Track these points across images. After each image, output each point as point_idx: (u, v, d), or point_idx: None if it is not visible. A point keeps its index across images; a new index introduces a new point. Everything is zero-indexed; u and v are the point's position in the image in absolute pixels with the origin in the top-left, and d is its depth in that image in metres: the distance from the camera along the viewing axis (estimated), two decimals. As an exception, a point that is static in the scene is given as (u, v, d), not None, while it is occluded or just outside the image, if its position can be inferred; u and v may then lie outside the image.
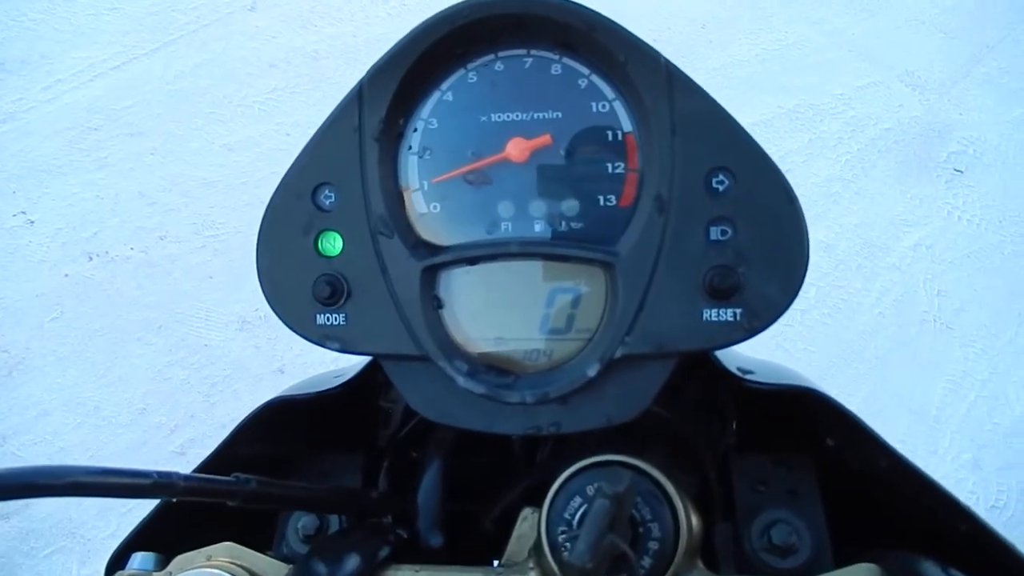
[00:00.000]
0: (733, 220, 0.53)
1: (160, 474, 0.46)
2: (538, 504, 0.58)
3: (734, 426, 0.71)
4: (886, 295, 2.49)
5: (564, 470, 0.57)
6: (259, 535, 0.63)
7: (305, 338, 0.57)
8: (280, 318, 0.57)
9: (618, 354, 0.54)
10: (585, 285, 0.56)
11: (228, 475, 0.50)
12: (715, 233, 0.53)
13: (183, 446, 2.25)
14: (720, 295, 0.52)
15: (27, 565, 2.09)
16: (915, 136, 2.88)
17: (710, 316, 0.53)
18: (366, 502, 0.62)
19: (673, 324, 0.53)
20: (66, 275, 2.63)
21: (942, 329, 2.41)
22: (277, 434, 0.66)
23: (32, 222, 2.78)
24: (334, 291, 0.56)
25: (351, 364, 0.68)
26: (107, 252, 2.68)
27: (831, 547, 0.59)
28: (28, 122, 3.01)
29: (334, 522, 0.63)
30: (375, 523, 0.61)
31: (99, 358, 2.44)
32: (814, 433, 0.64)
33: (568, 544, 0.50)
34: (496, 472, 0.70)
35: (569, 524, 0.51)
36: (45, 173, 2.87)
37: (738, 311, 0.53)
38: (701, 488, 0.65)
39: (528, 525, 0.58)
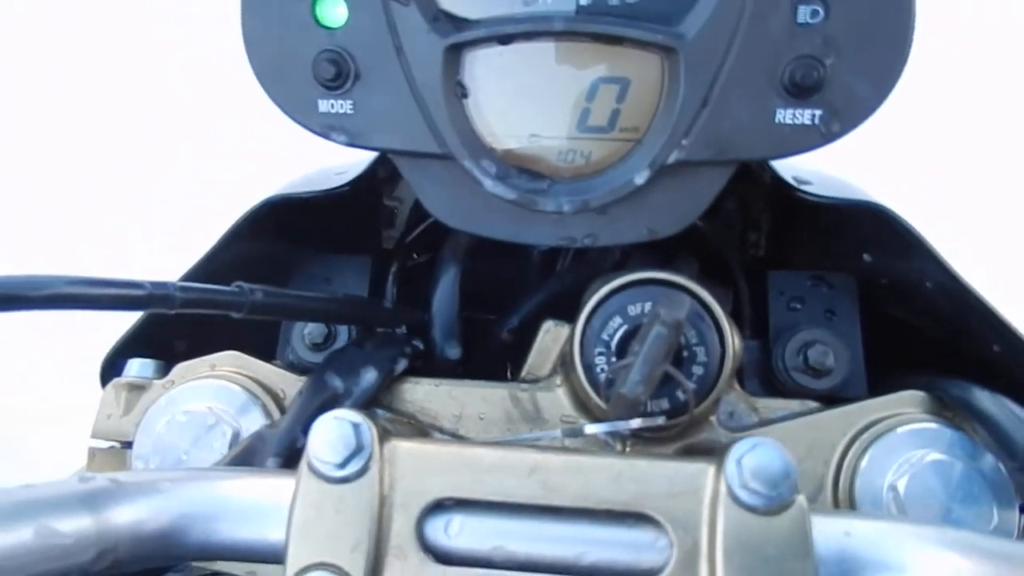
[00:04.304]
0: None
1: (155, 284, 0.40)
2: (558, 316, 0.54)
3: (763, 239, 0.66)
4: None
5: (589, 282, 0.52)
6: (261, 341, 0.59)
7: (306, 127, 0.49)
8: (276, 103, 0.48)
9: (672, 159, 0.46)
10: (635, 75, 0.47)
11: (223, 282, 0.45)
12: (803, 14, 0.44)
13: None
14: (799, 92, 0.44)
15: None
16: None
17: (784, 117, 0.45)
18: (379, 312, 0.58)
19: (740, 126, 0.46)
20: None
21: None
22: (275, 235, 0.59)
23: None
24: (339, 71, 0.46)
25: (355, 159, 0.60)
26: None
27: (866, 370, 0.56)
28: None
29: (343, 329, 0.59)
30: (388, 333, 0.57)
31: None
32: (855, 250, 0.59)
33: (603, 364, 0.47)
34: (511, 281, 0.65)
35: (607, 345, 0.47)
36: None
37: (817, 113, 0.45)
38: (733, 304, 0.61)
39: (550, 338, 0.54)
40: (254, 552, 0.37)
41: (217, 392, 0.50)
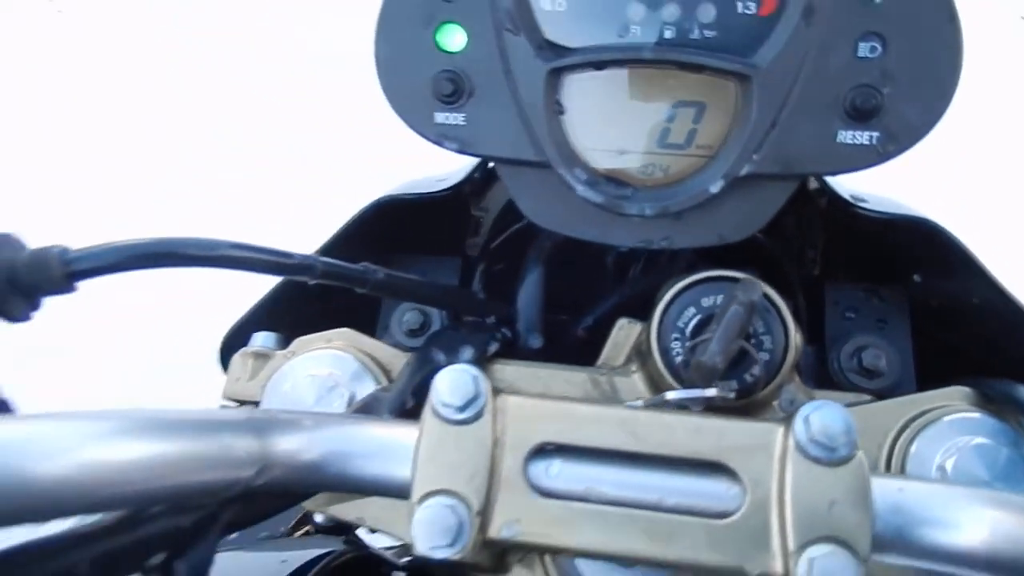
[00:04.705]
0: (885, 36, 0.50)
1: (302, 256, 0.48)
2: (631, 315, 0.61)
3: (819, 256, 0.71)
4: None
5: (659, 286, 0.58)
6: (361, 327, 0.66)
7: (423, 136, 0.56)
8: (398, 114, 0.56)
9: (743, 172, 0.53)
10: (711, 99, 0.54)
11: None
12: (864, 49, 0.50)
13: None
14: (859, 116, 0.51)
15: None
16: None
17: (845, 138, 0.52)
18: (474, 301, 0.65)
19: (805, 145, 0.52)
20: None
21: None
22: (380, 233, 0.67)
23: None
24: (455, 89, 0.54)
25: (454, 169, 0.68)
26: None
27: (915, 377, 0.61)
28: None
29: (435, 320, 0.66)
30: (478, 321, 0.64)
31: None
32: (907, 266, 0.64)
33: (678, 348, 0.53)
34: (583, 286, 0.72)
35: (682, 332, 0.53)
36: None
37: (875, 135, 0.51)
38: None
39: (624, 334, 0.60)
40: (380, 486, 0.44)
41: (334, 361, 0.57)
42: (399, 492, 0.43)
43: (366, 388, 0.56)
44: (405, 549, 0.72)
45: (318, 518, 0.58)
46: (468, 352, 0.57)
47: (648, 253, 0.68)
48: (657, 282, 0.61)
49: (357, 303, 0.63)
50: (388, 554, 0.70)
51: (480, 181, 0.70)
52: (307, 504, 0.54)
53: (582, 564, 0.50)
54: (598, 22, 0.54)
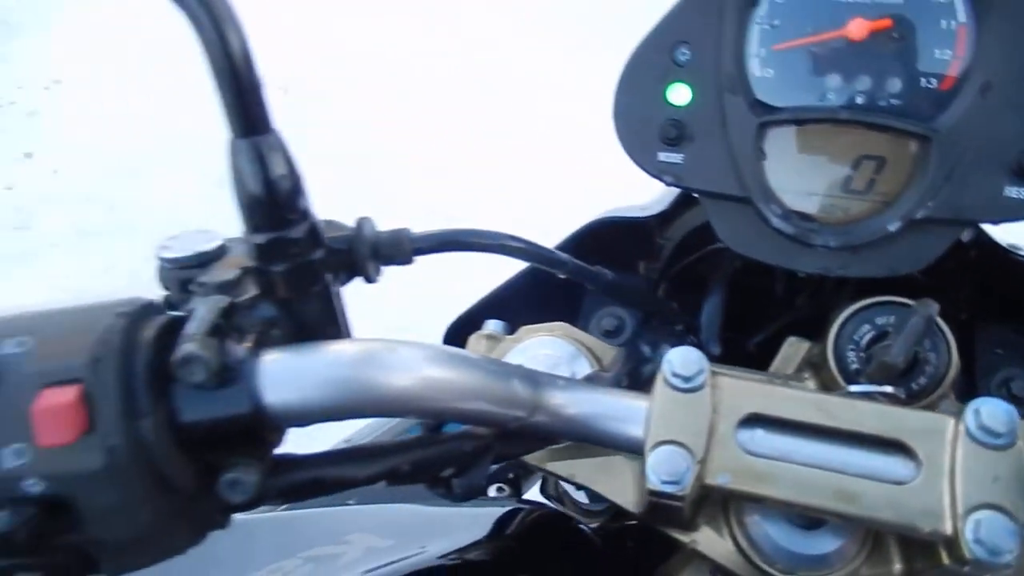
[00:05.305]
0: None
1: (558, 253, 0.62)
2: (797, 334, 0.71)
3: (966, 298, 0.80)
4: None
5: (827, 308, 0.69)
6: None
7: (644, 169, 0.70)
8: (626, 151, 0.70)
9: (919, 215, 0.63)
10: (891, 154, 0.65)
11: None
12: None
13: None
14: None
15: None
16: None
17: (1011, 192, 0.61)
18: (669, 309, 0.77)
19: (975, 197, 0.62)
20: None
21: None
22: (594, 248, 0.81)
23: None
24: (679, 134, 0.68)
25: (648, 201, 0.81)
26: None
27: None
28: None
29: (629, 323, 0.79)
30: (668, 327, 0.77)
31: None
32: None
33: (853, 358, 0.64)
34: (754, 306, 0.83)
35: (857, 344, 0.64)
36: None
37: None
38: None
39: (793, 350, 0.71)
40: (616, 439, 0.56)
41: (556, 345, 0.71)
42: (627, 446, 0.55)
43: (582, 370, 0.69)
44: (591, 512, 0.84)
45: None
46: (666, 347, 0.69)
47: (821, 280, 0.78)
48: (825, 306, 0.71)
49: (562, 303, 0.77)
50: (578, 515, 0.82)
51: (669, 214, 0.83)
52: (529, 457, 0.67)
53: (767, 525, 0.60)
54: (801, 87, 0.67)
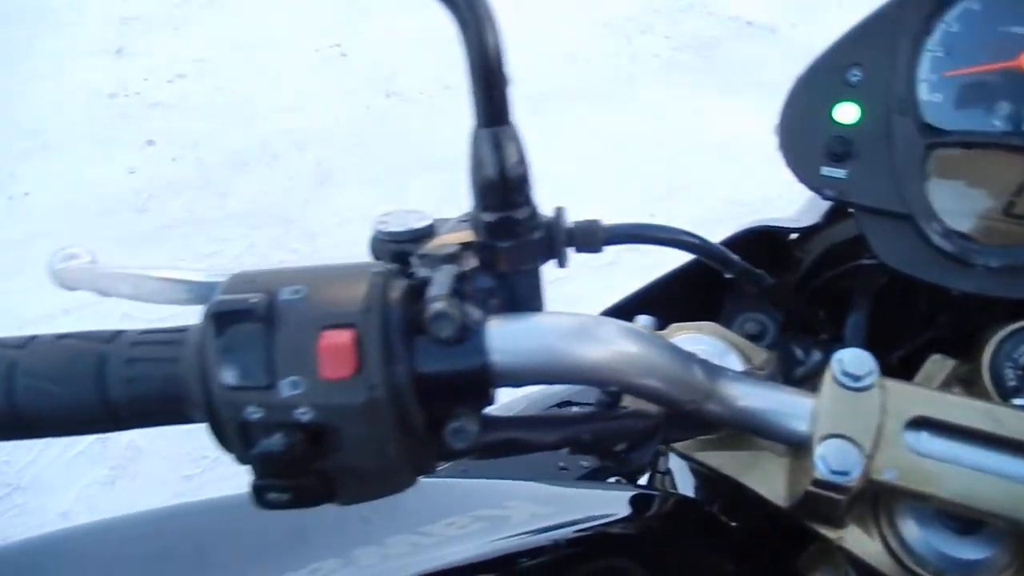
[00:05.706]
0: None
1: (728, 255, 0.66)
2: (940, 352, 0.73)
3: None
4: None
5: (974, 327, 0.71)
6: None
7: (805, 183, 0.74)
8: (788, 164, 0.74)
9: None
10: None
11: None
12: None
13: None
14: None
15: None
16: None
17: None
18: (821, 321, 0.81)
19: None
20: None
21: None
22: (743, 253, 0.85)
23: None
24: (844, 151, 0.71)
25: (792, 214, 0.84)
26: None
27: None
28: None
29: (770, 328, 0.82)
30: (810, 335, 0.80)
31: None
32: None
33: (1011, 375, 0.66)
34: (894, 322, 0.85)
35: (1015, 362, 0.66)
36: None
37: None
38: None
39: (936, 367, 0.72)
40: (779, 431, 0.59)
41: (708, 342, 0.75)
42: (791, 439, 0.58)
43: (734, 367, 0.73)
44: (734, 504, 0.87)
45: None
46: (817, 354, 0.72)
47: (967, 299, 0.80)
48: (970, 325, 0.73)
49: (700, 305, 0.81)
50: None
51: (815, 228, 0.86)
52: (678, 445, 0.71)
53: (920, 527, 0.63)
54: (968, 113, 0.69)
